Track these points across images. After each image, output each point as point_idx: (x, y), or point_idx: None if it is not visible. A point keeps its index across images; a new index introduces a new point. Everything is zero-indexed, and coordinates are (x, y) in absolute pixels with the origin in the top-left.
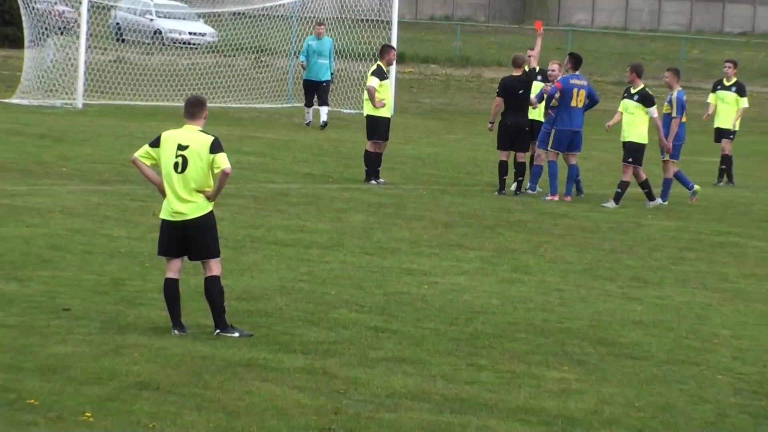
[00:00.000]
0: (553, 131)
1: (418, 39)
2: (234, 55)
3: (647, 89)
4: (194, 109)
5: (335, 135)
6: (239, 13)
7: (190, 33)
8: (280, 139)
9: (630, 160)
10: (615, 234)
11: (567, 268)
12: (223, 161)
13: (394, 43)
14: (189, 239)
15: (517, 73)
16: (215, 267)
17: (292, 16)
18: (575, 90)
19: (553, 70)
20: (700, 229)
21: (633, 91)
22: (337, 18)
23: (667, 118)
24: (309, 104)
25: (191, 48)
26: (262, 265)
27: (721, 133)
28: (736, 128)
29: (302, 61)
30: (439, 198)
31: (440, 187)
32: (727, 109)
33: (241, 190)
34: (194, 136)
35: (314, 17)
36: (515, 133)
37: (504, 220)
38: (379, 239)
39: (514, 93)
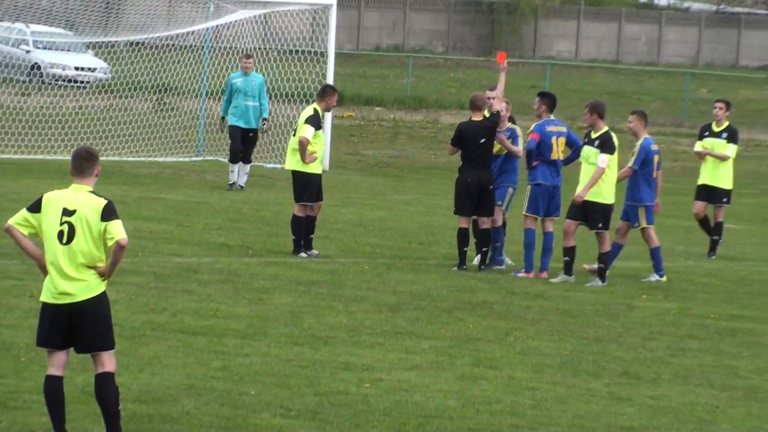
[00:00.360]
0: (529, 189)
1: (360, 75)
2: (131, 96)
3: (611, 134)
4: (84, 164)
5: (257, 196)
6: (137, 43)
7: (76, 68)
8: (188, 202)
9: (600, 226)
10: (601, 319)
11: (542, 361)
12: (117, 231)
13: (330, 80)
14: (76, 327)
15: (477, 117)
16: (109, 362)
17: (203, 47)
18: (554, 138)
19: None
20: (706, 313)
21: (594, 135)
22: (260, 48)
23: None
24: (234, 159)
25: (78, 87)
26: (166, 359)
27: (711, 194)
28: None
29: (222, 117)
30: (384, 274)
31: (386, 260)
32: (719, 162)
33: (140, 265)
34: (83, 199)
35: (231, 48)
36: (477, 192)
37: (465, 302)
38: (311, 326)
39: (475, 143)
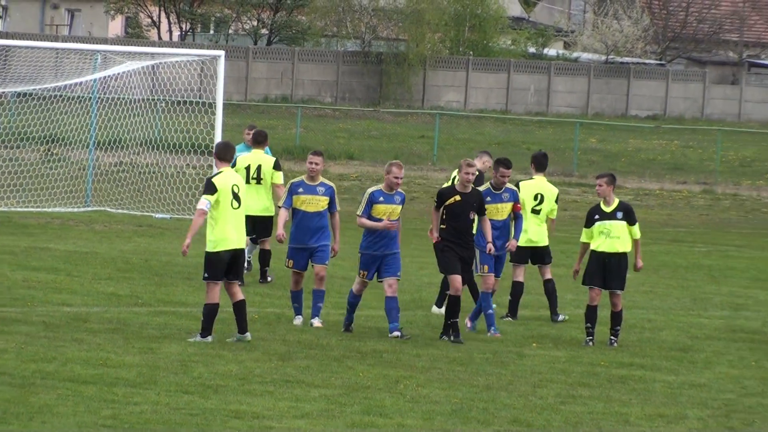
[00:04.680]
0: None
1: (248, 126)
2: (19, 147)
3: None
4: None
5: (145, 245)
6: (25, 94)
7: None
8: (77, 252)
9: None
10: (491, 367)
11: (432, 409)
12: None
13: (218, 131)
14: None
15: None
16: None
17: (91, 98)
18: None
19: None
20: (596, 360)
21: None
22: (148, 100)
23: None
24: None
25: None
26: (56, 408)
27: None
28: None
29: None
30: (274, 324)
31: (276, 310)
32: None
33: (29, 315)
34: None
35: (119, 99)
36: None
37: (354, 351)
38: (200, 374)
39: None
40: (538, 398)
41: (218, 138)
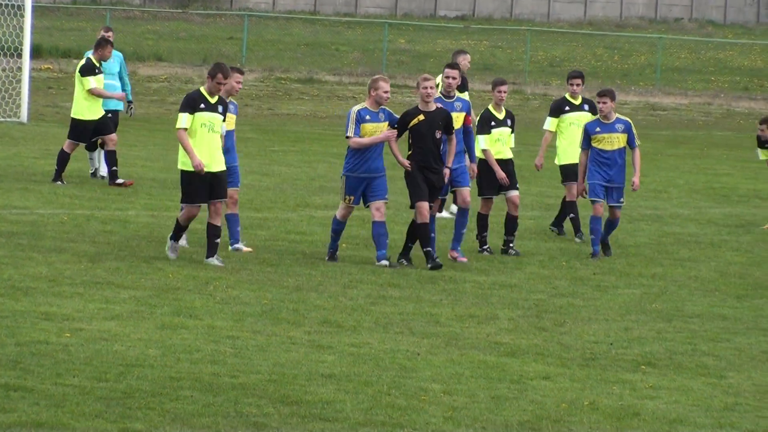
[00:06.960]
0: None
1: (57, 28)
2: None
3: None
4: None
5: None
6: None
7: None
8: None
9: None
10: (301, 268)
11: (242, 310)
12: None
13: (27, 33)
14: None
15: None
16: None
17: None
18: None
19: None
20: None
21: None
22: None
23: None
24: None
25: None
26: None
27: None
28: None
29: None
30: (84, 225)
31: (85, 211)
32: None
33: None
34: None
35: None
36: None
37: (164, 253)
38: (10, 277)
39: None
40: (349, 299)
41: (27, 40)
